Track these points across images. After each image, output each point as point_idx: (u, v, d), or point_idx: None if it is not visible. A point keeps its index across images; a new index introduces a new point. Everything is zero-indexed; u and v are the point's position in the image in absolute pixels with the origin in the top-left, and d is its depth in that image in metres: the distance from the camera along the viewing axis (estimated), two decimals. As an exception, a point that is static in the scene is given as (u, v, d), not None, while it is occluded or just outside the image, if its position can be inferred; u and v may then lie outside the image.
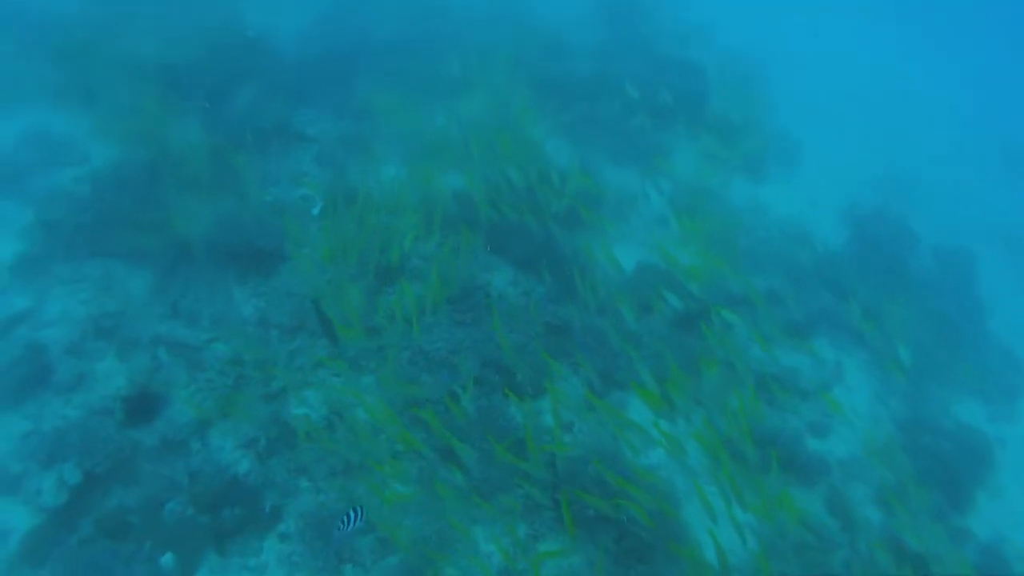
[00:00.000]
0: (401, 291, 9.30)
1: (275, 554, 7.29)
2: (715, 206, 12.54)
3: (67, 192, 10.17)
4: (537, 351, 9.01)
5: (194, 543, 7.21)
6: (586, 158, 13.16)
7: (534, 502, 7.63)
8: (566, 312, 9.62)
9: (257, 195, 10.35)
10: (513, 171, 10.32)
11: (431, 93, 14.01)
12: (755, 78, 18.09)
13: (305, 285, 9.37)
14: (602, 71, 15.51)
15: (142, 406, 8.11)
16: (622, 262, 10.27)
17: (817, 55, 23.27)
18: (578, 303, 9.64)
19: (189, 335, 8.87)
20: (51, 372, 8.26)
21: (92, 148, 11.07)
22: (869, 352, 11.44)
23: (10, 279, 9.08)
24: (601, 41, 17.00)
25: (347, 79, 14.00)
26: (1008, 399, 11.92)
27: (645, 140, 13.78)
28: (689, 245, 11.00)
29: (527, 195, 10.48)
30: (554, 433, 8.41)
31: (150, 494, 7.47)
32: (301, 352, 8.88)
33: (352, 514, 6.30)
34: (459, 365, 8.63)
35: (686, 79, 16.17)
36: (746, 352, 10.05)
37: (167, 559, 6.98)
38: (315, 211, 10.84)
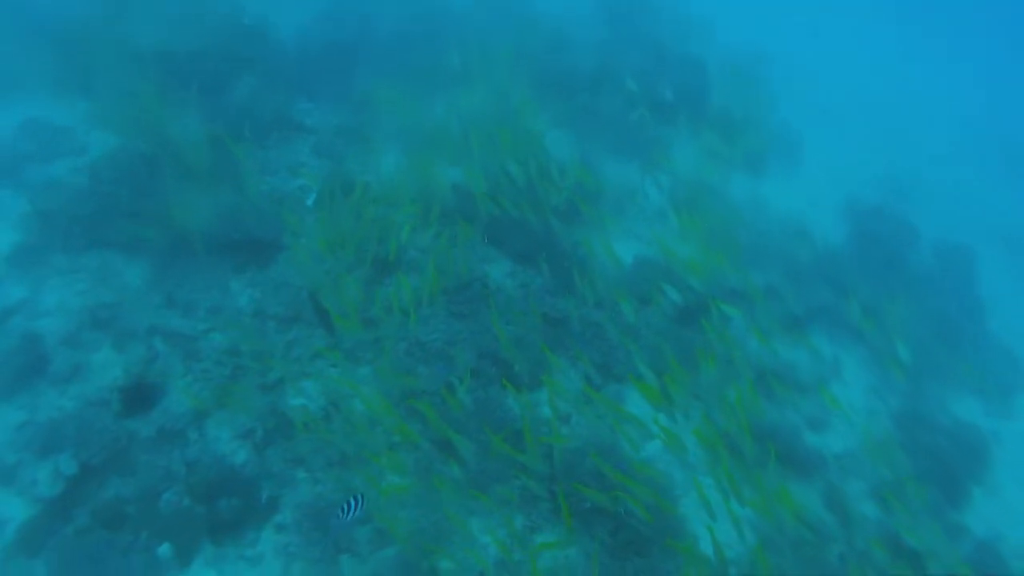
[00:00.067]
0: (398, 283, 9.28)
1: (271, 545, 7.27)
2: (715, 201, 12.52)
3: (64, 182, 10.11)
4: (535, 343, 8.99)
5: (191, 533, 7.19)
6: (586, 152, 13.14)
7: (531, 494, 7.62)
8: (564, 305, 9.60)
9: (255, 186, 10.30)
10: (512, 164, 10.28)
11: (431, 85, 13.97)
12: (756, 75, 18.04)
13: (302, 276, 9.35)
14: (603, 65, 15.48)
15: (138, 396, 8.08)
16: (621, 256, 10.27)
17: (818, 53, 23.28)
18: (576, 296, 9.63)
19: (185, 325, 8.84)
20: (47, 362, 8.24)
21: (90, 138, 11.03)
22: (867, 348, 11.44)
23: (6, 269, 9.04)
24: (602, 35, 16.97)
25: (347, 70, 13.95)
26: (1005, 396, 11.93)
27: (645, 135, 13.76)
28: (688, 240, 10.98)
29: (526, 188, 10.45)
30: (551, 425, 8.40)
31: (146, 484, 7.45)
32: (298, 343, 8.86)
33: (352, 502, 6.29)
34: (456, 357, 8.61)
35: (687, 75, 16.14)
36: (744, 346, 10.04)
37: (164, 549, 6.97)
38: (309, 201, 10.80)
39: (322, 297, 8.91)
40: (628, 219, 11.88)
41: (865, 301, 11.41)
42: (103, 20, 12.63)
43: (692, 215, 11.28)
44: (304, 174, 11.17)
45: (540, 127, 12.41)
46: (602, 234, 11.14)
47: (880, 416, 10.39)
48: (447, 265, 9.44)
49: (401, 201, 10.19)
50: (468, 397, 7.76)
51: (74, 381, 8.18)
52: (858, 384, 10.82)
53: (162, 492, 7.41)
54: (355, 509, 6.31)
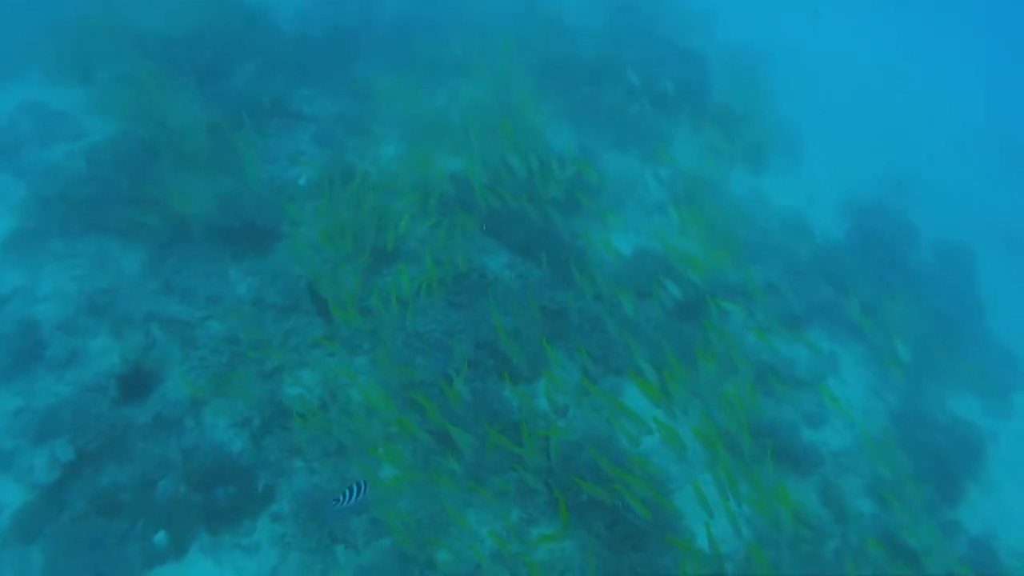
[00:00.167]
0: (397, 272, 9.25)
1: (267, 534, 7.27)
2: (715, 196, 12.48)
3: (62, 167, 10.07)
4: (532, 335, 8.97)
5: (187, 522, 7.19)
6: (586, 143, 13.10)
7: (527, 487, 7.61)
8: (562, 297, 9.58)
9: (255, 173, 10.25)
10: (512, 156, 10.23)
11: (432, 74, 13.91)
12: (757, 69, 17.99)
13: (301, 265, 9.31)
14: (604, 57, 15.43)
15: (135, 383, 8.06)
16: (620, 249, 10.23)
17: (820, 50, 23.21)
18: (575, 288, 9.60)
19: (183, 312, 8.81)
20: (44, 348, 8.21)
21: (88, 123, 10.96)
22: (865, 345, 11.44)
23: (3, 254, 9.00)
24: (603, 27, 16.87)
25: (348, 59, 13.88)
26: (1003, 395, 11.94)
27: (646, 127, 13.70)
28: (688, 234, 10.95)
29: (526, 180, 10.40)
30: (549, 418, 8.40)
31: (143, 472, 7.44)
32: (296, 332, 8.83)
33: (355, 488, 6.30)
34: (454, 348, 8.59)
35: (688, 68, 16.09)
36: (743, 342, 10.04)
37: (160, 537, 6.96)
38: (301, 181, 10.75)
39: (320, 286, 8.88)
40: (628, 212, 11.85)
41: (865, 299, 11.40)
42: (102, 4, 12.55)
43: (692, 209, 11.24)
44: (304, 162, 11.11)
45: (541, 118, 12.35)
46: (601, 227, 11.12)
47: (878, 414, 10.39)
48: (445, 256, 9.41)
49: (400, 190, 10.15)
50: (466, 388, 7.74)
51: (71, 367, 8.16)
52: (856, 382, 10.82)
53: (158, 480, 7.40)
54: (357, 495, 6.32)
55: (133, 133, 10.49)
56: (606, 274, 9.96)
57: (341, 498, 6.33)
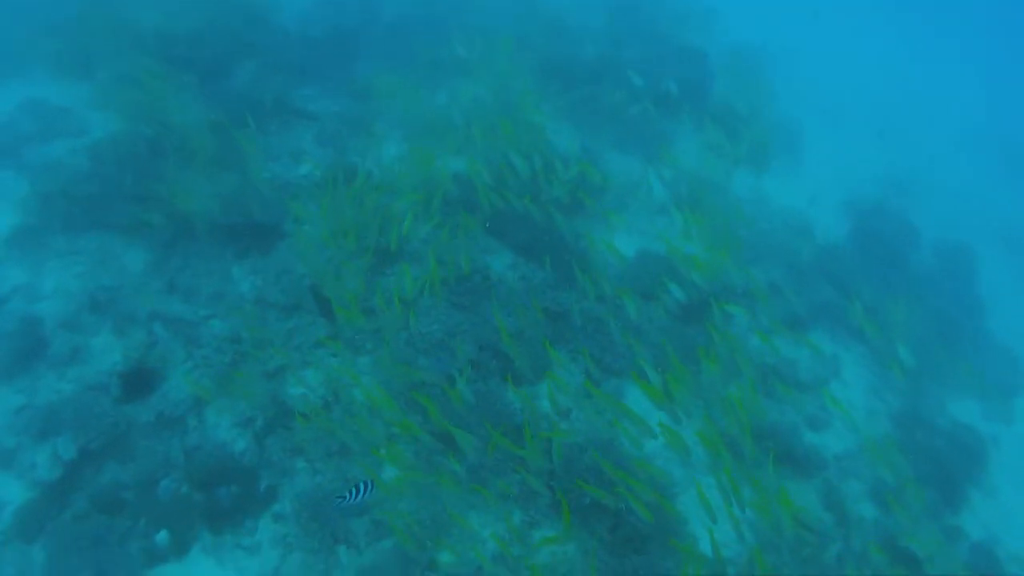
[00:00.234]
0: (400, 272, 9.24)
1: (269, 534, 7.26)
2: (717, 196, 12.47)
3: (64, 163, 10.04)
4: (535, 337, 8.96)
5: (188, 521, 7.18)
6: (588, 144, 13.08)
7: (530, 489, 7.61)
8: (565, 298, 9.57)
9: (258, 171, 10.23)
10: (515, 156, 10.21)
11: (433, 74, 13.88)
12: (758, 68, 17.99)
13: (304, 264, 9.29)
14: (605, 56, 15.40)
15: (138, 382, 8.05)
16: (623, 250, 10.22)
17: (820, 50, 23.21)
18: (577, 290, 9.59)
19: (186, 311, 8.80)
20: (46, 346, 8.20)
21: (91, 120, 10.94)
22: (866, 347, 11.43)
23: (6, 251, 8.98)
24: (604, 26, 16.85)
25: (349, 58, 13.86)
26: (1004, 398, 11.95)
27: (648, 128, 13.68)
28: (691, 235, 10.94)
29: (529, 180, 10.39)
30: (551, 420, 8.39)
31: (145, 470, 7.43)
32: (299, 331, 8.81)
33: (361, 486, 6.30)
34: (456, 348, 8.57)
35: (689, 67, 16.03)
36: (745, 344, 10.03)
37: (162, 536, 6.95)
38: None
39: (323, 286, 8.86)
40: (631, 213, 11.83)
41: (866, 300, 11.40)
42: (103, 2, 12.51)
43: (695, 210, 11.23)
44: (306, 161, 11.09)
45: (542, 117, 12.33)
46: (604, 227, 11.10)
47: (880, 416, 10.39)
48: (448, 256, 9.40)
49: (403, 190, 10.13)
50: (468, 390, 7.73)
51: (73, 365, 8.15)
52: (858, 383, 10.82)
53: (160, 479, 7.39)
54: (363, 493, 6.32)
55: (136, 130, 10.47)
56: (609, 276, 9.95)
57: (347, 495, 6.33)
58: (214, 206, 9.51)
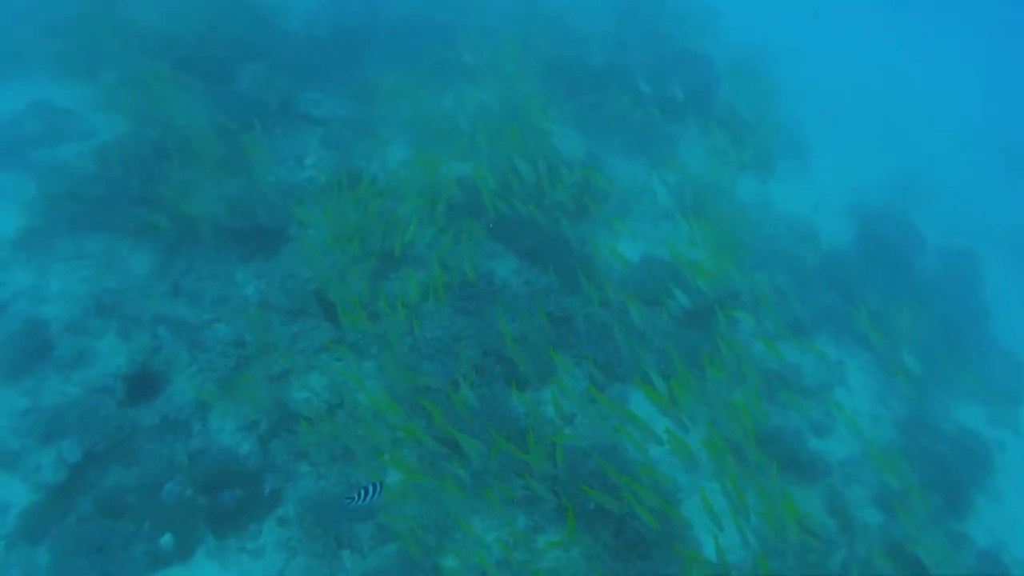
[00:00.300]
0: (404, 277, 9.24)
1: (273, 538, 7.26)
2: (722, 202, 12.45)
3: (70, 166, 10.05)
4: (539, 342, 8.96)
5: (192, 524, 7.18)
6: (594, 149, 13.07)
7: (534, 494, 7.60)
8: (570, 303, 9.56)
9: (263, 175, 10.25)
10: (520, 161, 10.21)
11: (438, 77, 13.88)
12: (762, 71, 17.95)
13: (308, 268, 9.30)
14: (611, 61, 15.38)
15: (143, 385, 8.06)
16: (628, 255, 10.21)
17: (820, 50, 23.15)
18: (582, 295, 9.58)
19: (191, 314, 8.81)
20: (51, 348, 8.21)
21: (97, 122, 10.95)
22: (871, 353, 11.40)
23: (12, 253, 9.00)
24: (611, 30, 16.85)
25: (355, 59, 13.87)
26: (1010, 403, 11.91)
27: (654, 132, 13.67)
28: (695, 240, 10.92)
29: (533, 185, 10.38)
30: (556, 425, 8.38)
31: (149, 474, 7.44)
32: (303, 335, 8.82)
33: (370, 488, 6.30)
34: (461, 353, 8.57)
35: (693, 71, 16.02)
36: (750, 349, 10.01)
37: (166, 540, 6.95)
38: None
39: (328, 290, 8.87)
40: (635, 218, 11.82)
41: (870, 305, 11.37)
42: (110, 4, 12.53)
43: (699, 216, 11.22)
44: (311, 165, 11.10)
45: (548, 122, 12.33)
46: (609, 232, 11.10)
47: (884, 422, 10.36)
48: (452, 261, 9.40)
49: (408, 195, 10.13)
50: (472, 395, 7.72)
51: (78, 368, 8.16)
52: (863, 390, 10.79)
53: (164, 482, 7.40)
54: (372, 495, 6.32)
55: (141, 133, 10.48)
56: (613, 281, 9.95)
57: (355, 496, 6.33)
58: (219, 209, 9.52)
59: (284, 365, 8.41)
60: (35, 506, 7.10)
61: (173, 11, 12.91)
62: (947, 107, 23.76)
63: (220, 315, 8.86)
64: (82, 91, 11.41)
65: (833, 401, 9.63)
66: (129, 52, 11.90)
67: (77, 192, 9.52)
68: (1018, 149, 22.76)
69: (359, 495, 6.33)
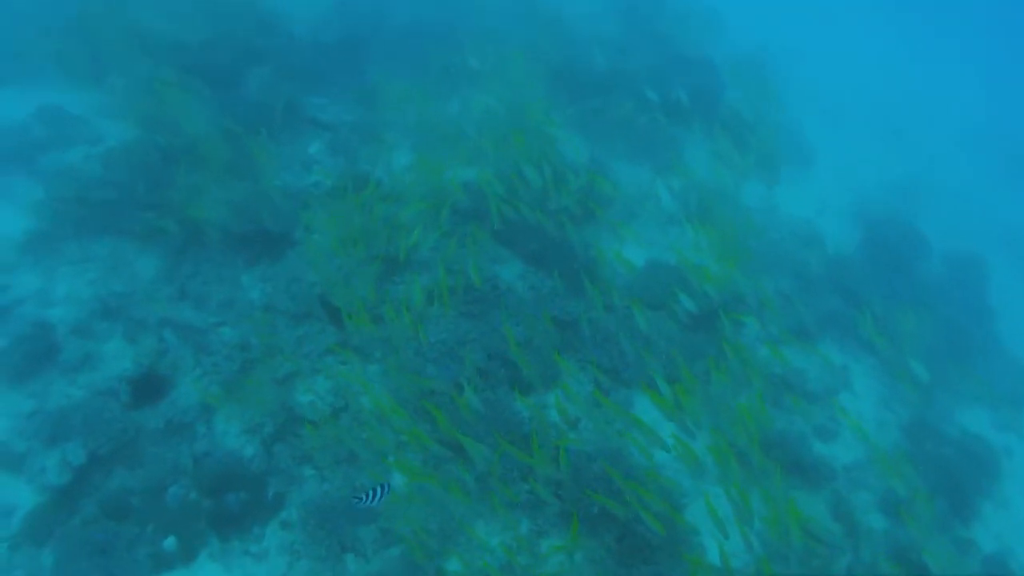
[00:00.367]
0: (409, 281, 9.25)
1: (277, 541, 7.27)
2: (727, 206, 12.44)
3: (78, 170, 10.10)
4: (544, 346, 8.96)
5: (196, 527, 7.20)
6: (598, 154, 13.08)
7: (538, 498, 7.59)
8: (574, 308, 9.56)
9: (269, 180, 10.29)
10: (526, 165, 10.23)
11: (444, 82, 13.92)
12: (766, 74, 17.93)
13: (314, 271, 9.33)
14: (614, 64, 15.39)
15: (148, 388, 8.09)
16: (633, 260, 10.21)
17: (820, 50, 23.13)
18: (587, 299, 9.58)
19: (197, 318, 8.84)
20: (57, 351, 8.25)
21: (104, 127, 11.02)
22: (876, 357, 11.37)
23: (19, 256, 9.05)
24: (611, 30, 16.86)
25: (360, 64, 13.93)
26: (1015, 408, 11.85)
27: (659, 137, 13.68)
28: (700, 245, 10.92)
29: (540, 190, 10.39)
30: (560, 429, 8.37)
31: (154, 477, 7.46)
32: (308, 339, 8.84)
33: (378, 489, 6.30)
34: (465, 357, 8.58)
35: (700, 76, 16.05)
36: (755, 354, 9.99)
37: (169, 542, 6.97)
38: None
39: (333, 294, 8.89)
40: (640, 223, 11.82)
41: (875, 309, 11.34)
42: (117, 8, 12.59)
43: (704, 221, 11.21)
44: (317, 170, 11.15)
45: (553, 127, 12.35)
46: (614, 238, 11.10)
47: (889, 427, 10.33)
48: (457, 265, 9.41)
49: (412, 199, 10.15)
50: (477, 398, 7.72)
51: (84, 370, 8.20)
52: (868, 394, 10.76)
53: (169, 485, 7.42)
54: (380, 496, 6.32)
55: (148, 138, 10.54)
56: (618, 285, 9.95)
57: (364, 497, 6.34)
58: (225, 214, 9.56)
59: (289, 368, 8.44)
60: (40, 508, 7.12)
61: (179, 15, 12.97)
62: (947, 107, 23.72)
63: (226, 319, 8.89)
64: (90, 97, 11.49)
65: (838, 406, 9.60)
66: (137, 58, 11.96)
67: (84, 196, 9.57)
68: (1018, 149, 22.70)
69: (367, 496, 6.34)
